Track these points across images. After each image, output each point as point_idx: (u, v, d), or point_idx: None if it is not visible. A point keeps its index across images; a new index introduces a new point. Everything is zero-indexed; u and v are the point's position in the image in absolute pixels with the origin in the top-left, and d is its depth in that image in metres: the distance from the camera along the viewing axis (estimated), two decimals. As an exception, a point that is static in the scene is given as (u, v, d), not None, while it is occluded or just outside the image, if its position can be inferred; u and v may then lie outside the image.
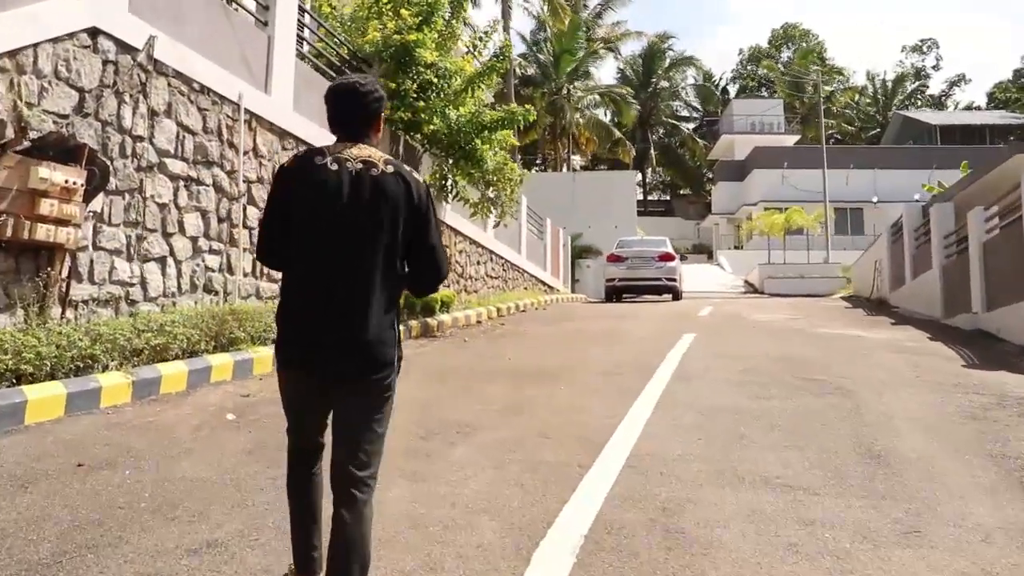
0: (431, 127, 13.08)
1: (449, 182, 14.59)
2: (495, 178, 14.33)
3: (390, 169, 2.78)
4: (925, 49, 71.04)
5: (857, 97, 67.43)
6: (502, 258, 20.36)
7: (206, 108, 8.69)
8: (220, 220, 8.96)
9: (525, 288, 22.58)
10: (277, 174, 2.89)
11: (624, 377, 8.31)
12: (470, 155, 13.83)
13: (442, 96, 13.23)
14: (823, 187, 36.20)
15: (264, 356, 8.12)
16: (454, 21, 13.72)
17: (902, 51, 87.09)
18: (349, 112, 2.88)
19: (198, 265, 8.62)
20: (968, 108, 68.81)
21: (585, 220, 33.75)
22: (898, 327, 13.71)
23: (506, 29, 36.62)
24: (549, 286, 25.61)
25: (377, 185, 2.73)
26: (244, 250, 9.28)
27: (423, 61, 12.69)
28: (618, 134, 47.07)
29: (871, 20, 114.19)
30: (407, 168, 2.89)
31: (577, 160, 54.84)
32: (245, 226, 9.33)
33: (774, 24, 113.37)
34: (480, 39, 13.86)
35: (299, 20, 11.04)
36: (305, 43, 11.74)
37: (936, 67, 72.55)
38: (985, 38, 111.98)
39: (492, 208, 14.72)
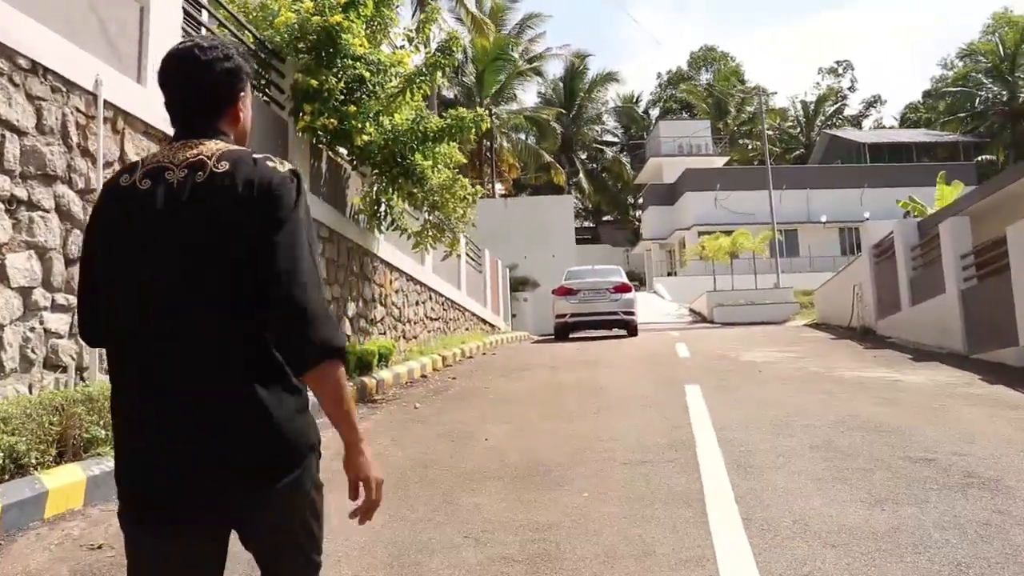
0: (364, 137, 10.41)
1: (383, 207, 11.93)
2: (440, 199, 11.71)
3: (223, 166, 1.84)
4: (841, 71, 71.41)
5: (778, 120, 67.07)
6: (442, 296, 17.74)
7: (42, 97, 5.88)
8: (69, 262, 6.13)
9: (467, 329, 19.99)
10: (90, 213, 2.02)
11: (661, 470, 5.83)
12: (410, 172, 11.21)
13: (376, 97, 10.59)
14: (769, 208, 34.63)
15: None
16: (384, 9, 11.11)
17: (819, 73, 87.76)
18: (185, 93, 1.96)
19: (32, 330, 5.76)
20: (879, 127, 69.34)
21: (520, 249, 31.33)
22: (926, 365, 11.58)
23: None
24: (491, 324, 23.04)
25: (199, 195, 1.81)
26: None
27: (352, 51, 10.06)
28: (548, 157, 44.94)
29: (785, 43, 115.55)
30: (254, 156, 1.88)
31: (499, 187, 52.41)
32: (109, 268, 6.55)
33: (681, 50, 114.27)
34: (419, 28, 11.23)
35: (187, -8, 8.32)
36: (201, 26, 8.99)
37: (852, 88, 72.73)
38: (893, 62, 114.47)
39: (439, 236, 12.06)
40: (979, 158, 53.33)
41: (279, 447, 1.83)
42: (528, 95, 63.32)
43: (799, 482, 5.36)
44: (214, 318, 1.80)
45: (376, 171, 11.33)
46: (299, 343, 1.80)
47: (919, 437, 6.60)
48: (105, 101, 6.41)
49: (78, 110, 6.21)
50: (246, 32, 9.95)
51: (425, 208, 11.87)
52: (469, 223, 12.13)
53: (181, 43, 2.03)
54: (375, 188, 11.68)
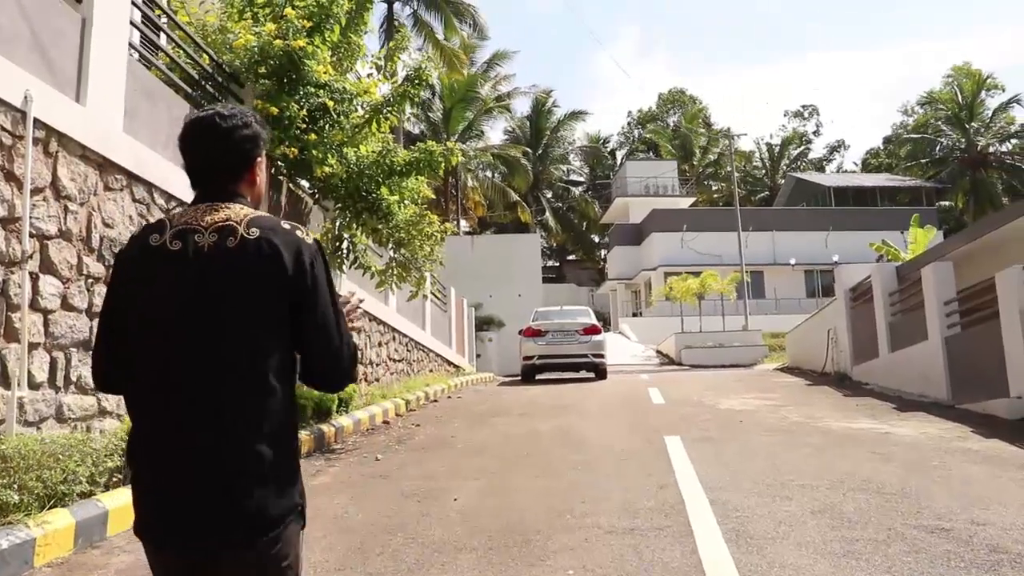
0: (325, 168, 9.77)
1: (346, 243, 11.27)
2: (407, 235, 11.08)
3: (254, 233, 1.99)
4: (807, 115, 72.19)
5: (743, 163, 67.49)
6: (406, 336, 17.04)
7: (-43, 112, 5.22)
8: (-14, 298, 5.42)
9: (431, 370, 19.27)
10: (113, 265, 2.29)
11: (652, 540, 5.21)
12: (374, 207, 10.58)
13: (340, 127, 9.98)
14: (739, 250, 34.36)
15: (64, 528, 4.71)
16: (352, 35, 10.55)
17: (784, 115, 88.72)
18: (206, 159, 2.13)
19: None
20: (840, 171, 70.09)
21: (486, 288, 30.73)
22: (912, 415, 11.10)
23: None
24: (455, 365, 22.33)
25: (232, 262, 1.97)
26: (32, 347, 5.74)
27: (315, 78, 9.46)
28: (515, 196, 44.52)
29: (751, 87, 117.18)
30: (284, 225, 2.06)
31: (464, 225, 51.83)
32: (36, 308, 5.81)
33: (649, 92, 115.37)
34: (388, 57, 10.66)
35: (139, 7, 7.67)
36: (156, 49, 8.35)
37: (817, 132, 73.57)
38: (855, 108, 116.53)
39: (405, 275, 11.40)
40: (939, 203, 53.88)
41: (269, 505, 1.93)
42: (495, 132, 63.31)
43: (807, 557, 4.78)
44: (235, 373, 1.94)
45: (339, 205, 10.69)
46: (332, 369, 2.10)
47: (928, 501, 6.07)
48: (36, 120, 5.73)
49: (3, 128, 5.52)
50: (203, 55, 9.33)
51: (390, 245, 11.22)
52: (437, 262, 11.48)
53: (203, 111, 2.17)
54: (337, 223, 11.02)
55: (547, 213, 56.28)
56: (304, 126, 9.57)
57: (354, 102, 10.02)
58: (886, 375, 14.74)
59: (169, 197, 7.68)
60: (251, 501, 1.92)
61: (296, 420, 2.10)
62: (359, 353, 2.12)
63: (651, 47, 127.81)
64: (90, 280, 6.35)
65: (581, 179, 66.36)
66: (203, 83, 9.22)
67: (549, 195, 60.20)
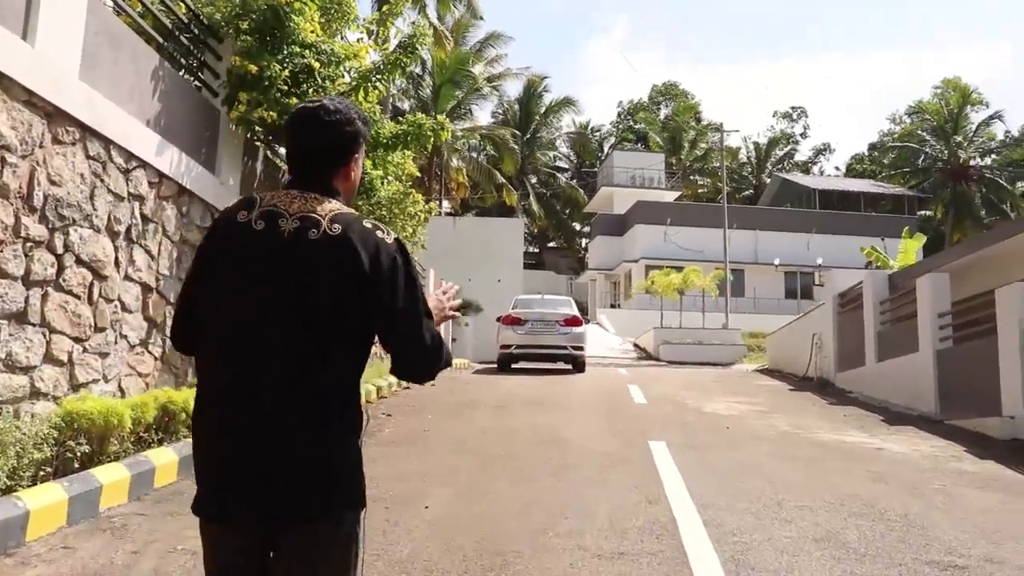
0: (306, 135, 9.11)
1: (324, 217, 10.60)
2: (388, 214, 10.44)
3: (336, 229, 2.04)
4: (795, 116, 71.83)
5: (730, 160, 67.09)
6: (381, 317, 16.38)
7: None
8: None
9: (405, 353, 18.61)
10: (206, 233, 2.26)
11: (645, 568, 4.70)
12: (357, 180, 9.91)
13: (326, 93, 9.31)
14: (723, 247, 33.92)
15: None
16: (344, -5, 9.86)
17: (773, 116, 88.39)
18: (305, 147, 2.20)
19: None
20: (823, 175, 69.92)
21: (466, 271, 30.02)
22: (901, 429, 10.66)
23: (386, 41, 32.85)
24: (431, 349, 21.68)
25: (310, 254, 2.02)
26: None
27: (301, 37, 8.78)
28: (501, 179, 43.80)
29: (743, 85, 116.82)
30: (367, 224, 2.10)
31: (445, 206, 51.06)
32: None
33: (641, 85, 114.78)
34: (380, 21, 9.97)
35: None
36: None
37: (804, 135, 73.23)
38: (842, 113, 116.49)
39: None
40: (920, 213, 53.79)
41: (330, 489, 2.00)
42: (483, 114, 62.44)
43: (821, 600, 4.24)
44: (311, 356, 1.99)
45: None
46: (418, 357, 2.13)
47: (936, 532, 5.58)
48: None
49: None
50: (180, 3, 8.62)
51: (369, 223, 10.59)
52: (419, 243, 10.86)
53: (311, 101, 2.24)
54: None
55: (531, 198, 55.53)
56: (286, 88, 8.90)
57: (342, 66, 9.34)
58: (872, 385, 14.29)
59: (129, 156, 7.00)
60: (316, 480, 1.97)
61: (358, 411, 2.11)
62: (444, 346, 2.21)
63: (641, 39, 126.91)
64: (29, 244, 5.64)
65: (567, 167, 65.62)
66: (177, 34, 8.53)
67: (534, 180, 59.44)
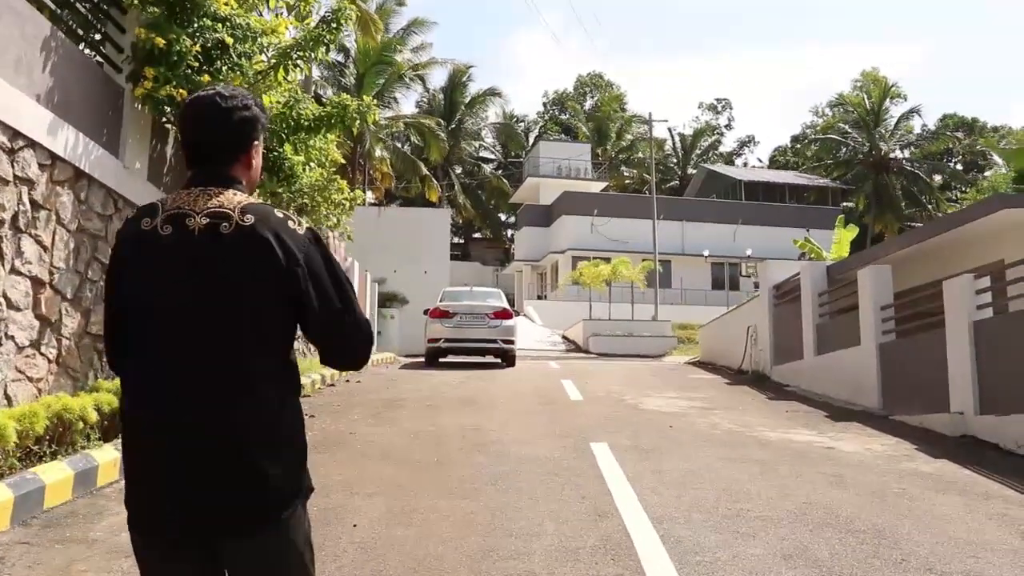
0: (219, 116, 8.38)
1: (241, 205, 9.88)
2: (311, 202, 9.76)
3: (248, 220, 1.99)
4: (720, 108, 72.56)
5: (656, 151, 67.41)
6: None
7: None
8: None
9: (329, 348, 17.86)
10: (112, 247, 2.18)
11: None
12: (276, 166, 9.24)
13: (241, 71, 8.60)
14: (652, 238, 33.85)
15: None
16: (261, -35, 9.13)
17: (699, 107, 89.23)
18: (201, 139, 2.12)
19: None
20: (745, 166, 70.87)
21: (391, 262, 29.31)
22: (848, 426, 10.41)
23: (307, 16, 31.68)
24: (355, 343, 20.93)
25: (226, 248, 1.96)
26: None
27: (214, 9, 8.05)
28: (425, 170, 42.98)
29: (668, 78, 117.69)
30: (278, 214, 2.05)
31: (370, 196, 49.99)
32: None
33: (566, 76, 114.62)
34: (302, -7, 9.26)
35: None
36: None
37: (729, 126, 74.09)
38: (765, 106, 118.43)
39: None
40: (842, 204, 54.79)
41: (274, 490, 1.94)
42: (408, 103, 61.14)
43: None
44: (226, 359, 1.94)
45: (235, 162, 9.29)
46: (346, 348, 2.14)
47: (910, 545, 5.23)
48: None
49: None
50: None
51: (291, 211, 9.89)
52: (345, 234, 10.19)
53: (204, 90, 2.16)
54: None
55: (456, 189, 54.84)
56: (197, 64, 8.15)
57: (258, 42, 8.62)
58: (811, 379, 14.12)
59: (16, 134, 6.21)
60: (256, 484, 1.91)
61: (298, 406, 2.09)
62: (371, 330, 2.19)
63: (569, 33, 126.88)
64: None
65: (493, 157, 65.07)
66: (74, 2, 7.70)
67: (459, 171, 58.77)
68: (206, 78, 8.18)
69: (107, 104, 7.98)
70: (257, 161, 2.22)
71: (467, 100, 55.93)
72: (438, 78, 55.42)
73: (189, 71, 8.08)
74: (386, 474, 7.12)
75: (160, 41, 7.78)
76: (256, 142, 2.19)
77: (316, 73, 36.87)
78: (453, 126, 55.47)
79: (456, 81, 54.72)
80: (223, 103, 2.09)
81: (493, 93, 55.75)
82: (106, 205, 7.80)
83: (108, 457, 6.40)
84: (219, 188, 2.05)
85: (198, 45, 8.06)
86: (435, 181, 44.34)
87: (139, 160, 8.45)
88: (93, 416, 6.64)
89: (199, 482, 1.89)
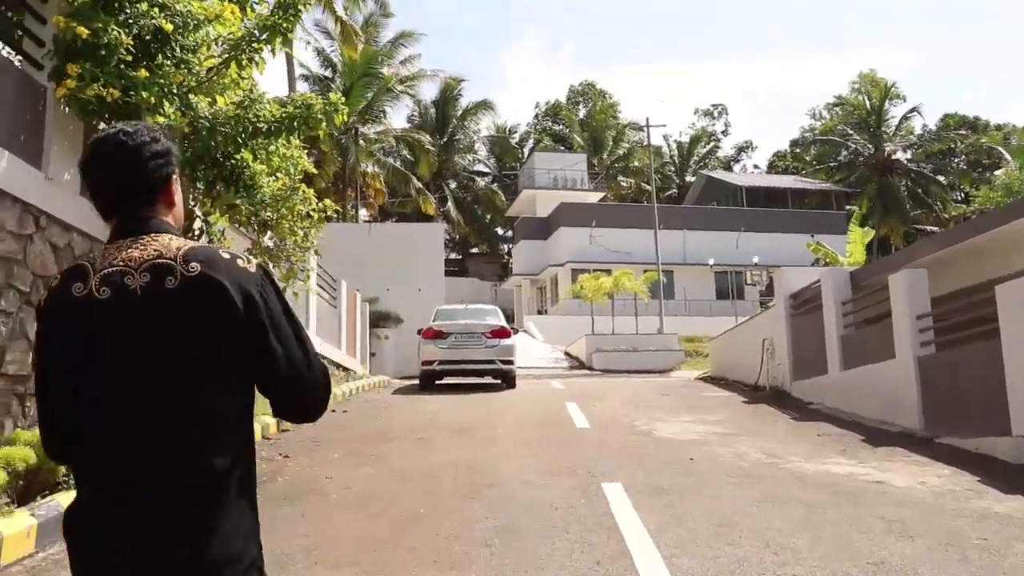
0: (158, 118, 7.21)
1: (197, 223, 8.75)
2: (274, 214, 8.62)
3: (194, 270, 1.77)
4: (716, 114, 71.63)
5: (654, 158, 66.41)
6: (283, 336, 14.44)
7: None
8: None
9: (315, 375, 16.67)
10: (37, 322, 1.89)
11: None
12: (233, 175, 8.10)
13: (186, 67, 7.45)
14: (655, 248, 32.72)
15: None
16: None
17: (695, 113, 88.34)
18: (114, 184, 1.88)
19: None
20: (743, 172, 69.92)
21: (384, 280, 28.12)
22: (890, 452, 9.20)
23: (289, 64, 30.68)
24: (345, 369, 19.74)
25: (173, 303, 1.75)
26: None
27: (146, -8, 6.92)
28: (419, 184, 41.87)
29: (661, 85, 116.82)
30: (224, 255, 1.82)
31: (364, 213, 48.84)
32: None
33: (559, 85, 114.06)
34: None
35: None
36: None
37: (726, 132, 73.11)
38: (762, 111, 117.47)
39: (272, 264, 8.91)
40: (847, 207, 53.71)
41: (229, 560, 1.76)
42: (399, 117, 60.12)
43: None
44: (187, 425, 1.75)
45: (185, 171, 8.13)
46: (313, 413, 1.96)
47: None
48: None
49: None
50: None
51: (253, 226, 8.70)
52: (311, 248, 9.03)
53: (105, 130, 1.95)
54: (187, 197, 8.47)
55: (450, 203, 53.71)
56: (130, 59, 7.00)
57: (203, 31, 7.47)
58: (837, 396, 12.91)
59: None
60: (212, 558, 1.73)
61: (253, 469, 1.90)
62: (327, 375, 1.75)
63: (559, 43, 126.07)
64: None
65: (487, 170, 64.00)
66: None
67: (453, 185, 57.68)
68: (143, 73, 7.05)
69: (25, 107, 6.84)
70: (179, 196, 2.00)
71: (459, 113, 55.03)
72: (429, 91, 54.53)
73: (122, 66, 6.93)
74: (361, 532, 5.95)
75: (83, 31, 6.64)
76: (173, 176, 1.95)
77: (303, 87, 35.89)
78: (445, 140, 54.47)
79: (448, 95, 53.84)
80: (130, 140, 1.86)
81: (485, 106, 54.86)
82: (23, 223, 6.63)
83: (20, 526, 5.22)
84: (150, 236, 1.83)
85: (130, 36, 6.91)
86: (429, 194, 43.24)
87: (67, 170, 7.28)
88: (1, 477, 5.48)
89: (144, 567, 1.69)
